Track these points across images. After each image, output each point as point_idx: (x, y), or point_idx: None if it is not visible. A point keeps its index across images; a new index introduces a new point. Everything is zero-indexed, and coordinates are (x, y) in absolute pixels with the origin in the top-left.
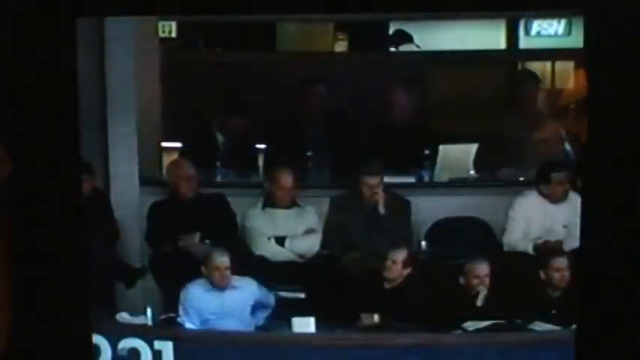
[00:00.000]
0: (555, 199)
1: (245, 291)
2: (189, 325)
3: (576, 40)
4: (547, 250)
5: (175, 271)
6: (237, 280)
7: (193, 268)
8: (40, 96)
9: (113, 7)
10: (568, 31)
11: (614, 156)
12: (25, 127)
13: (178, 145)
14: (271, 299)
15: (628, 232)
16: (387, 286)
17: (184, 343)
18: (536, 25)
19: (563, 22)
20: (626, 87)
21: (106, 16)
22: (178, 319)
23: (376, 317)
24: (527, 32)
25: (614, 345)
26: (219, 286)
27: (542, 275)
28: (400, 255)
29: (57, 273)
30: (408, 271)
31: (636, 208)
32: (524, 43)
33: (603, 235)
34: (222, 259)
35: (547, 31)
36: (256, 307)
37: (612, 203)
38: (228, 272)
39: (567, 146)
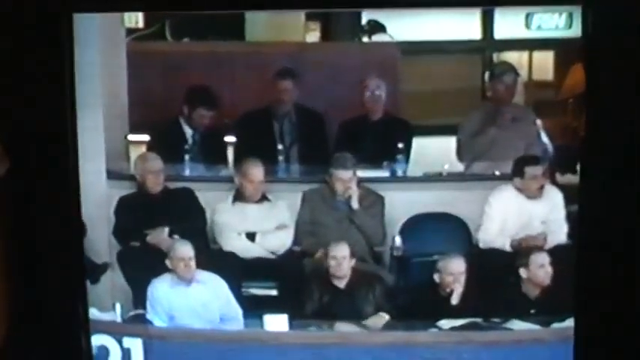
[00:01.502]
0: (530, 194)
1: (211, 287)
2: (158, 323)
3: (577, 33)
4: (525, 248)
5: (143, 267)
6: (203, 275)
7: (162, 263)
8: (37, 93)
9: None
10: (569, 24)
11: (614, 151)
12: (21, 124)
13: (146, 138)
14: (238, 312)
15: (627, 231)
16: (337, 284)
17: (154, 340)
18: (537, 19)
19: (564, 15)
20: (625, 80)
21: (104, 12)
22: (147, 315)
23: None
24: (527, 26)
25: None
26: (184, 279)
27: (521, 273)
28: (341, 251)
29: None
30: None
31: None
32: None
33: (601, 234)
34: (186, 249)
35: (548, 24)
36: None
37: (610, 201)
38: (192, 263)
39: (545, 139)
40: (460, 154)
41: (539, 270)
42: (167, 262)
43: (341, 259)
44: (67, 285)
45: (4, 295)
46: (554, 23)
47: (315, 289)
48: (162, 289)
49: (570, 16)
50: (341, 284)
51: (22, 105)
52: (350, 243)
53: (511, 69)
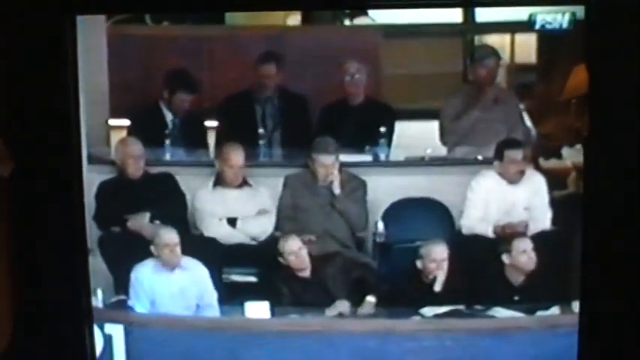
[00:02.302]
0: (511, 178)
1: (192, 274)
2: (139, 309)
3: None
4: (508, 234)
5: (125, 252)
6: (187, 262)
7: (143, 249)
8: (39, 94)
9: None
10: (573, 24)
11: (617, 149)
12: (24, 124)
13: (126, 122)
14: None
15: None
16: (301, 275)
17: (135, 326)
18: (540, 19)
19: (567, 15)
20: (628, 80)
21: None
22: (129, 302)
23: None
24: (531, 26)
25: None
26: (169, 265)
27: (504, 259)
28: (291, 246)
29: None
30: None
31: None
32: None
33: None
34: (171, 236)
35: (552, 24)
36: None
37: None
38: (178, 249)
39: (527, 123)
40: (443, 137)
41: (522, 256)
42: (152, 248)
43: (295, 253)
44: (69, 283)
45: (8, 294)
46: (559, 23)
47: (285, 280)
48: (145, 274)
49: (574, 15)
50: (305, 274)
51: (25, 107)
52: (332, 228)
53: (492, 52)
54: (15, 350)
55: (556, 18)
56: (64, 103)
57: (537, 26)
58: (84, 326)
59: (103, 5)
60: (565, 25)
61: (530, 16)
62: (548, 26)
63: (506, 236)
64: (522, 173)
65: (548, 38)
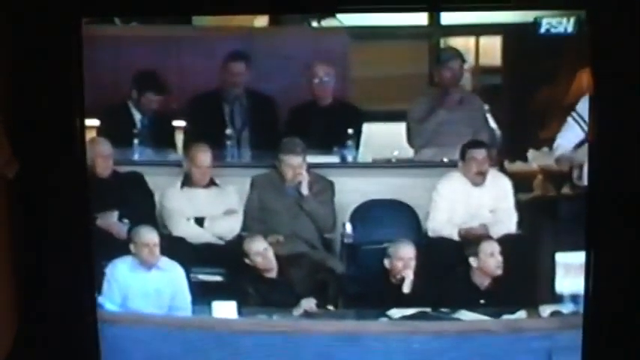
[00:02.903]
0: (474, 179)
1: (169, 275)
2: (109, 305)
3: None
4: (471, 237)
5: (94, 250)
6: (164, 262)
7: (115, 247)
8: (44, 97)
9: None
10: (578, 28)
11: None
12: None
13: (95, 122)
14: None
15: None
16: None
17: (105, 324)
18: (545, 23)
19: (572, 19)
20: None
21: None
22: (99, 298)
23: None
24: (536, 30)
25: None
26: (147, 264)
27: (470, 262)
28: (256, 246)
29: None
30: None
31: None
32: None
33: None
34: (151, 236)
35: (556, 29)
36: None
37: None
38: (156, 249)
39: (492, 125)
40: (410, 139)
41: (490, 259)
42: (131, 247)
43: (260, 254)
44: (73, 286)
45: (12, 295)
46: (563, 27)
47: (252, 280)
48: (121, 271)
49: (578, 19)
50: (272, 275)
51: (30, 108)
52: (299, 229)
53: (457, 54)
54: (19, 352)
55: (561, 22)
56: (69, 105)
57: (542, 30)
58: (88, 329)
59: (109, 8)
60: (570, 29)
61: (535, 19)
62: (552, 30)
63: (471, 239)
64: (484, 174)
65: (513, 41)
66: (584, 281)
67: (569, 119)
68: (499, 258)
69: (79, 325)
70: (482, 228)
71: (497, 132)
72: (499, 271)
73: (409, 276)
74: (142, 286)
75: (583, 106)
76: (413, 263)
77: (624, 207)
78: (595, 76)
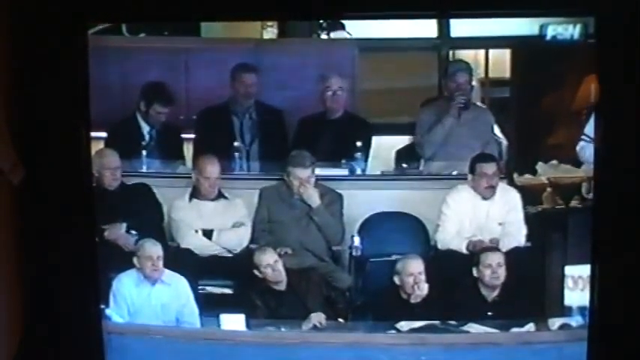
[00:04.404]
0: (483, 193)
1: (173, 288)
2: (116, 318)
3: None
4: (480, 249)
5: (102, 263)
6: (168, 276)
7: (122, 260)
8: (50, 103)
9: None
10: (585, 34)
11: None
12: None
13: (103, 134)
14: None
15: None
16: (276, 288)
17: (112, 336)
18: (552, 30)
19: (578, 26)
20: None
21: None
22: (107, 311)
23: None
24: (541, 36)
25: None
26: (151, 278)
27: (476, 274)
28: (267, 259)
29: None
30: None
31: None
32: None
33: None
34: (155, 249)
35: (563, 35)
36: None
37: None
38: (160, 263)
39: (500, 138)
40: (418, 151)
41: (487, 270)
42: (134, 260)
43: (271, 266)
44: (80, 288)
45: (19, 305)
46: (569, 33)
47: (260, 292)
48: (127, 284)
49: (585, 26)
50: (281, 287)
51: (37, 118)
52: (308, 242)
53: (466, 67)
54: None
55: (567, 29)
56: (75, 116)
57: (548, 37)
58: (95, 341)
59: (115, 16)
60: (576, 35)
61: (541, 27)
62: (559, 37)
63: (479, 251)
64: (493, 188)
65: (521, 53)
66: (589, 294)
67: (582, 143)
68: (498, 270)
69: (86, 337)
70: (490, 241)
71: (506, 144)
72: (505, 283)
73: (417, 290)
74: (147, 301)
75: (590, 127)
76: (423, 277)
77: (631, 220)
78: (602, 85)
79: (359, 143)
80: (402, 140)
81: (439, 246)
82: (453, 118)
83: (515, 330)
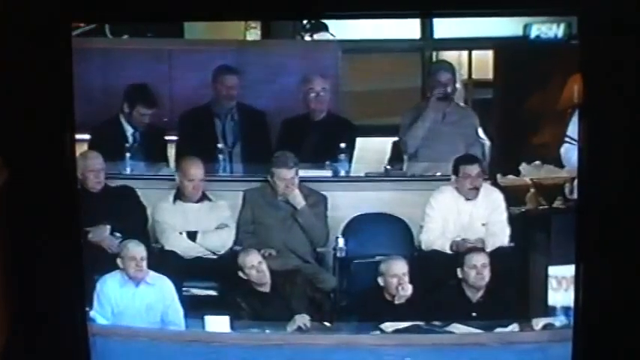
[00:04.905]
0: (467, 194)
1: (158, 289)
2: (100, 320)
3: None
4: (464, 250)
5: (86, 265)
6: (152, 277)
7: (107, 262)
8: (33, 103)
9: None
10: (568, 34)
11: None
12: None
13: (87, 136)
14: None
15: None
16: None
17: (97, 338)
18: (536, 29)
19: (562, 25)
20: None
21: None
22: (90, 313)
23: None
24: (525, 37)
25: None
26: (135, 279)
27: (460, 275)
28: (251, 261)
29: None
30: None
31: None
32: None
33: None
34: (139, 249)
35: (547, 34)
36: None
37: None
38: (144, 263)
39: (483, 139)
40: (401, 148)
41: (471, 271)
42: (118, 261)
43: (255, 267)
44: (65, 290)
45: (5, 298)
46: (553, 33)
47: (245, 294)
48: (111, 286)
49: (569, 25)
50: (265, 289)
51: (20, 119)
52: (292, 243)
53: (449, 68)
54: (12, 353)
55: (551, 28)
56: (58, 118)
57: (532, 36)
58: (79, 343)
59: (100, 14)
60: (560, 34)
61: (525, 27)
62: (543, 36)
63: (463, 252)
64: (477, 190)
65: (505, 54)
66: (574, 294)
67: (566, 145)
68: (483, 271)
69: (70, 339)
70: (474, 241)
71: (488, 145)
72: (489, 284)
73: (401, 291)
74: (132, 302)
75: (573, 129)
76: (407, 278)
77: (614, 220)
78: (586, 84)
79: (343, 144)
80: (386, 142)
81: (423, 247)
82: (434, 112)
83: (499, 330)
